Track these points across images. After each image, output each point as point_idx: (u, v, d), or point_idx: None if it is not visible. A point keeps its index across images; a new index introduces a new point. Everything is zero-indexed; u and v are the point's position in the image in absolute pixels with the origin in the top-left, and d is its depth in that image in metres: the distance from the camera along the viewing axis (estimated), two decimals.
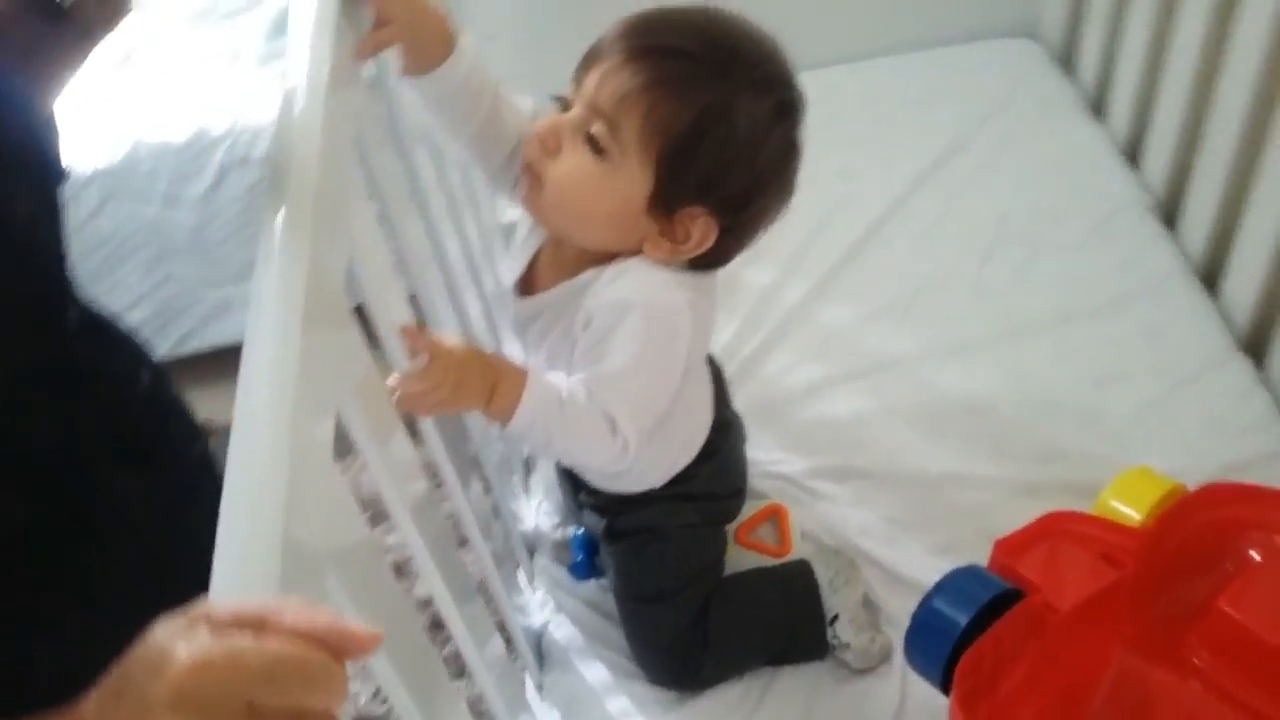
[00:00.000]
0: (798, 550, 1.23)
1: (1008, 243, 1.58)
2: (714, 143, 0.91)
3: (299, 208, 0.71)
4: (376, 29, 0.94)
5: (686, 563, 1.15)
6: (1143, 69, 1.62)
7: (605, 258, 0.98)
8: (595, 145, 0.92)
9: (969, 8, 1.96)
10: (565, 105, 0.95)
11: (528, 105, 1.08)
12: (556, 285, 1.01)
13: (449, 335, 0.97)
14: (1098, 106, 1.80)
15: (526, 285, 1.06)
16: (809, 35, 1.95)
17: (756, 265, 1.58)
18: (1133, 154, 1.69)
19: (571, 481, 1.19)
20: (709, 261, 0.99)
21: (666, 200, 0.93)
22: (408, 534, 0.82)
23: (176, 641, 0.45)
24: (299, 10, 0.89)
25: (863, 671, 1.14)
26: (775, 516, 1.26)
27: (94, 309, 0.81)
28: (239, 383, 0.62)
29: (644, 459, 1.03)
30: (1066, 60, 1.90)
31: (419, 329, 0.90)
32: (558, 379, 0.96)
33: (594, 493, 1.15)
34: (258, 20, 2.28)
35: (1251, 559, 1.05)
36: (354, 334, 0.76)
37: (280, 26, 2.14)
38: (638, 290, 0.95)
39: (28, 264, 0.71)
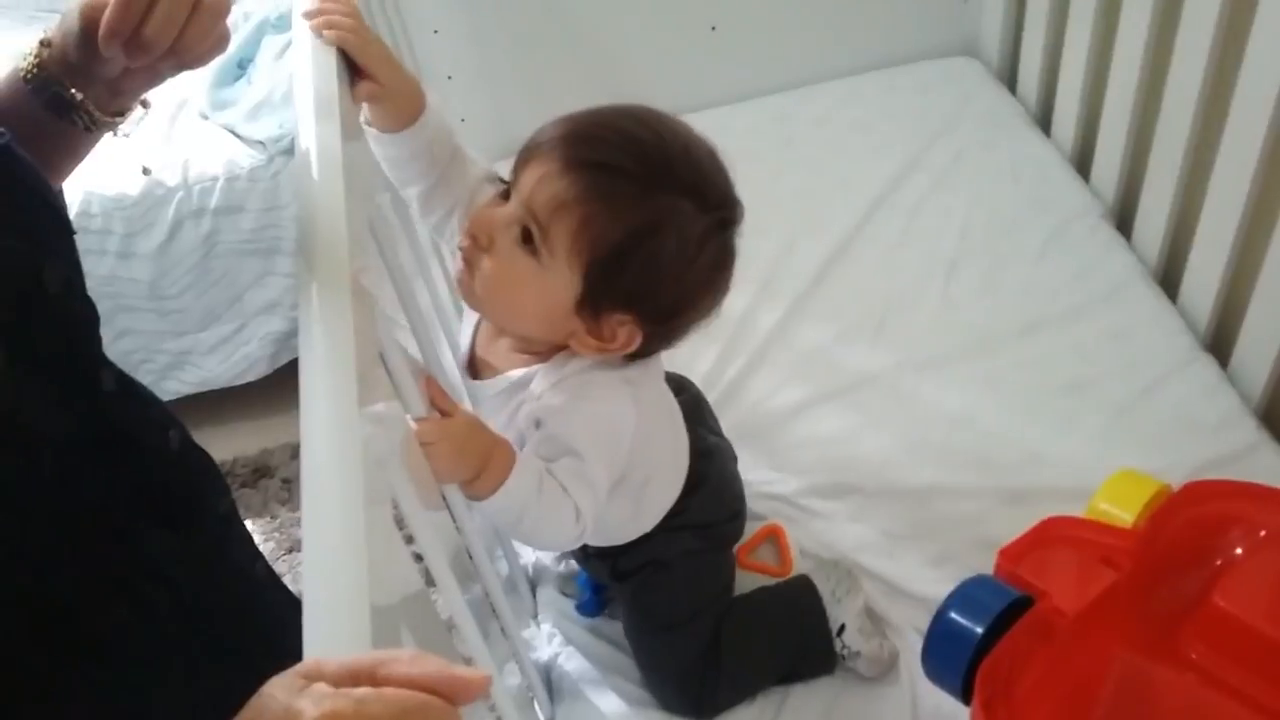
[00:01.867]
0: (798, 568, 1.25)
1: (969, 256, 1.63)
2: (643, 259, 0.93)
3: (337, 288, 0.71)
4: (360, 83, 0.96)
5: (695, 589, 1.17)
6: (1086, 80, 1.69)
7: (539, 344, 1.02)
8: (529, 244, 0.94)
9: (910, 29, 2.01)
10: (505, 193, 0.97)
11: (479, 166, 1.09)
12: (499, 375, 1.03)
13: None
14: (1044, 119, 1.86)
15: (472, 363, 1.08)
16: (759, 63, 2.02)
17: (730, 292, 1.60)
18: (1082, 164, 1.75)
19: None
20: (636, 355, 1.01)
21: (594, 305, 0.95)
22: (436, 566, 0.82)
23: (299, 699, 0.46)
24: (301, 73, 0.90)
25: (873, 679, 1.17)
26: (774, 536, 1.29)
27: (121, 371, 0.80)
28: (302, 466, 0.62)
29: (630, 521, 1.10)
30: (1009, 76, 1.97)
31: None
32: (537, 460, 0.99)
33: None
34: (202, 70, 2.26)
35: (1238, 552, 1.10)
36: (396, 404, 0.77)
37: (223, 78, 2.13)
38: (581, 398, 0.98)
39: (66, 331, 0.71)
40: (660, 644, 1.16)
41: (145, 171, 1.96)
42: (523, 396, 1.00)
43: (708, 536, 1.18)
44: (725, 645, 1.16)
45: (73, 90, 0.77)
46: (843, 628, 1.17)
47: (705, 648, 1.15)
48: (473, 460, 0.92)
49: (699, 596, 1.17)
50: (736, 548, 1.26)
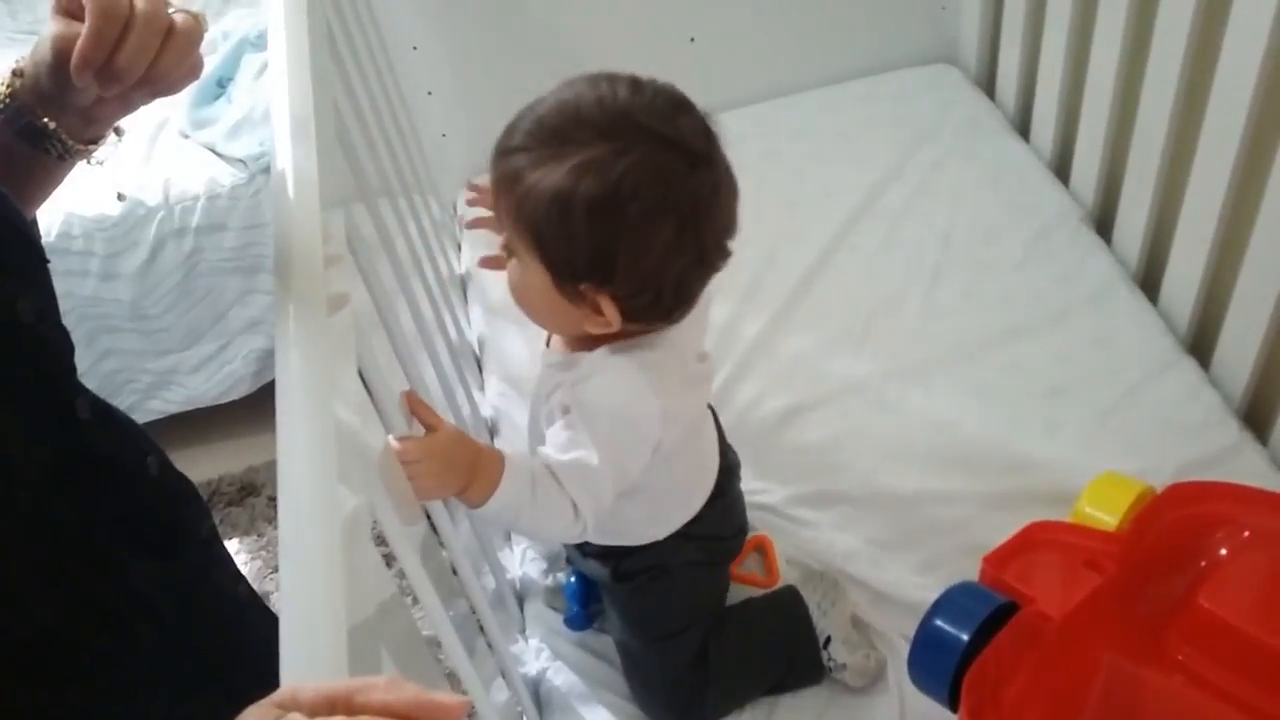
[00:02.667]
0: (785, 578, 1.25)
1: (951, 263, 1.63)
2: (547, 223, 0.91)
3: (312, 309, 0.71)
4: None
5: (691, 600, 1.17)
6: (1064, 86, 1.69)
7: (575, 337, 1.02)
8: (509, 250, 0.96)
9: (888, 37, 2.02)
10: None
11: None
12: (559, 353, 1.05)
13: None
14: (1022, 126, 1.87)
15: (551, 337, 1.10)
16: (738, 73, 2.02)
17: (714, 301, 1.60)
18: (1061, 169, 1.76)
19: None
20: (665, 313, 0.98)
21: (563, 285, 0.95)
22: (417, 583, 0.82)
23: None
24: (278, 93, 0.90)
25: (860, 689, 1.17)
26: (762, 548, 1.29)
27: (97, 398, 0.80)
28: (279, 481, 0.62)
29: (644, 523, 1.10)
30: (987, 83, 1.97)
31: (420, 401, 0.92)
32: (528, 460, 0.99)
33: None
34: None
35: (1223, 554, 1.10)
36: (371, 414, 0.77)
37: (203, 96, 2.12)
38: (609, 395, 0.98)
39: (40, 361, 0.71)
40: (650, 654, 1.16)
41: (120, 197, 1.96)
42: (566, 376, 1.00)
43: (712, 550, 1.18)
44: (714, 656, 1.15)
45: (45, 119, 0.77)
46: (829, 640, 1.17)
47: (694, 658, 1.15)
48: (459, 475, 0.93)
49: (694, 608, 1.17)
50: None
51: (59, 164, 0.80)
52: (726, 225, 0.97)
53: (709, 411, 1.16)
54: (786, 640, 1.18)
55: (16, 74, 0.78)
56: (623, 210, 0.90)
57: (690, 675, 1.15)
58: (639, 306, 0.95)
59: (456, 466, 0.93)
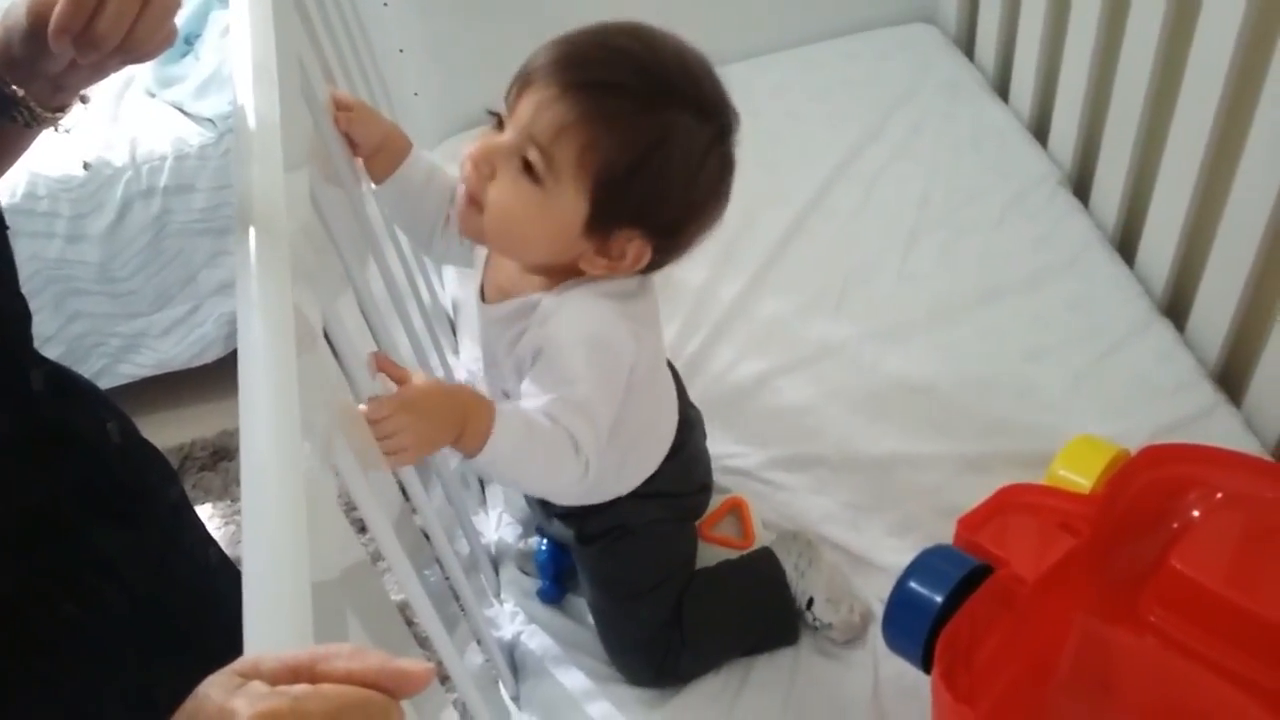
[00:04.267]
0: (760, 540, 1.25)
1: (929, 226, 1.63)
2: (650, 174, 0.92)
3: (276, 268, 0.70)
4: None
5: (658, 558, 1.17)
6: (1043, 47, 1.68)
7: (548, 269, 1.00)
8: (531, 172, 0.93)
9: None
10: (499, 123, 0.96)
11: (453, 174, 1.10)
12: (510, 299, 1.02)
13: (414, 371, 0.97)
14: (1001, 87, 1.85)
15: (485, 291, 1.08)
16: (715, 32, 1.99)
17: (690, 264, 1.57)
18: (1040, 131, 1.75)
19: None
20: (645, 269, 1.01)
21: (602, 224, 0.95)
22: (387, 547, 0.81)
23: (234, 698, 0.44)
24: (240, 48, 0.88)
25: (837, 650, 1.17)
26: (737, 510, 1.28)
27: (54, 365, 0.78)
28: (241, 441, 0.60)
29: (615, 474, 1.08)
30: (966, 43, 1.96)
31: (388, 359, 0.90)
32: (519, 407, 0.98)
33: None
34: None
35: (1195, 515, 1.10)
36: (336, 370, 0.75)
37: (170, 55, 2.08)
38: (581, 325, 0.98)
39: None
40: (623, 613, 1.16)
41: (85, 166, 1.92)
42: (526, 323, 0.99)
43: (674, 507, 1.18)
44: (688, 616, 1.15)
45: (14, 87, 0.76)
46: (811, 601, 1.17)
47: (668, 617, 1.15)
48: (446, 425, 0.91)
49: (660, 565, 1.16)
50: (699, 522, 1.26)
51: (25, 131, 0.79)
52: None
53: (665, 358, 1.16)
54: (761, 602, 1.18)
55: None
56: (708, 170, 0.96)
57: (665, 633, 1.15)
58: (662, 258, 1.00)
59: (439, 416, 0.90)
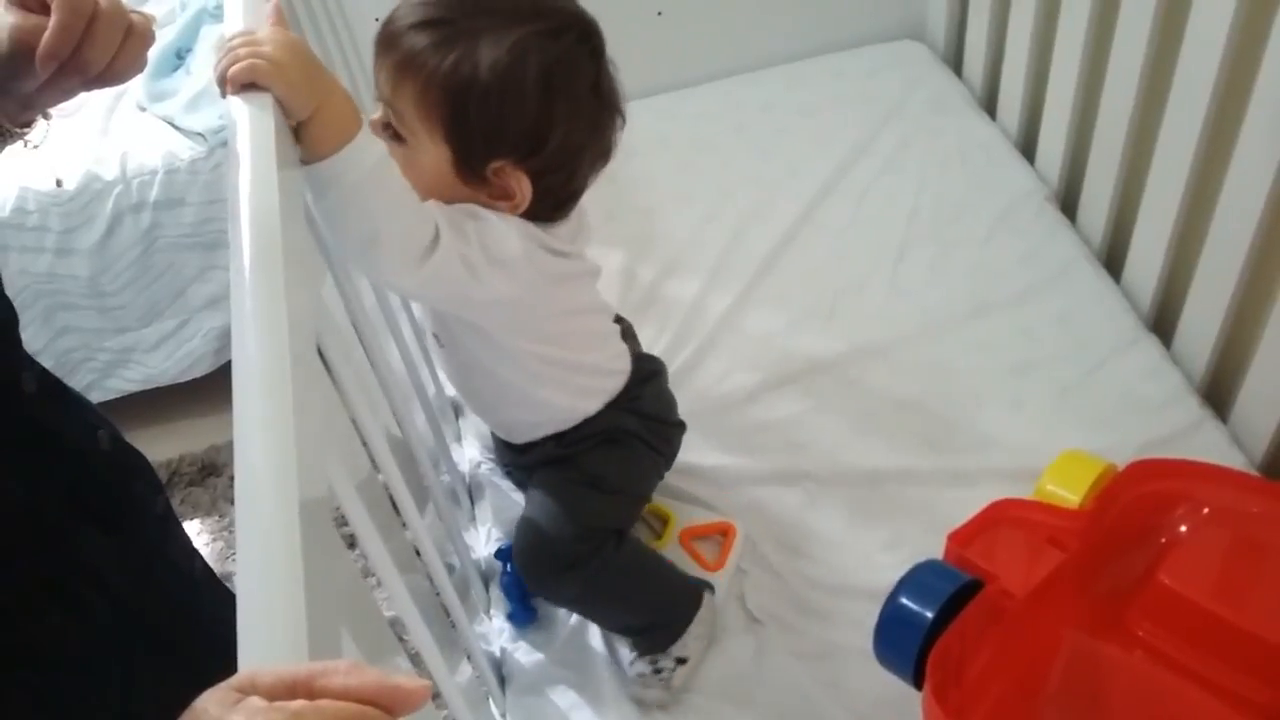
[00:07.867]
0: (726, 572, 1.25)
1: (917, 241, 1.63)
2: (475, 98, 0.95)
3: (270, 278, 0.70)
4: None
5: (628, 468, 1.20)
6: (1030, 64, 1.69)
7: None
8: (394, 135, 0.98)
9: (855, 13, 2.01)
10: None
11: None
12: None
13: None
14: (989, 103, 1.86)
15: None
16: (705, 48, 2.01)
17: (680, 278, 1.61)
18: (1027, 147, 1.76)
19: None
20: (559, 201, 1.04)
21: (470, 164, 0.98)
22: (378, 563, 0.81)
23: (231, 714, 0.44)
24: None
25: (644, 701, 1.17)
26: (723, 536, 1.28)
27: (45, 371, 0.79)
28: (236, 456, 0.60)
29: (575, 397, 1.16)
30: (954, 60, 1.97)
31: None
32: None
33: None
34: None
35: (1183, 530, 1.11)
36: (332, 392, 0.75)
37: (161, 68, 2.08)
38: (474, 213, 1.00)
39: None
40: (572, 497, 1.15)
41: (58, 183, 1.92)
42: None
43: (654, 430, 1.22)
44: (612, 557, 1.15)
45: None
46: (678, 660, 1.16)
47: (602, 534, 1.15)
48: (307, 87, 0.82)
49: (628, 476, 1.20)
50: (684, 528, 1.27)
51: None
52: (617, 128, 1.04)
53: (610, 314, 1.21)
54: (664, 609, 1.19)
55: None
56: (567, 86, 0.97)
57: (591, 543, 1.14)
58: (550, 186, 1.00)
59: (306, 72, 0.82)
